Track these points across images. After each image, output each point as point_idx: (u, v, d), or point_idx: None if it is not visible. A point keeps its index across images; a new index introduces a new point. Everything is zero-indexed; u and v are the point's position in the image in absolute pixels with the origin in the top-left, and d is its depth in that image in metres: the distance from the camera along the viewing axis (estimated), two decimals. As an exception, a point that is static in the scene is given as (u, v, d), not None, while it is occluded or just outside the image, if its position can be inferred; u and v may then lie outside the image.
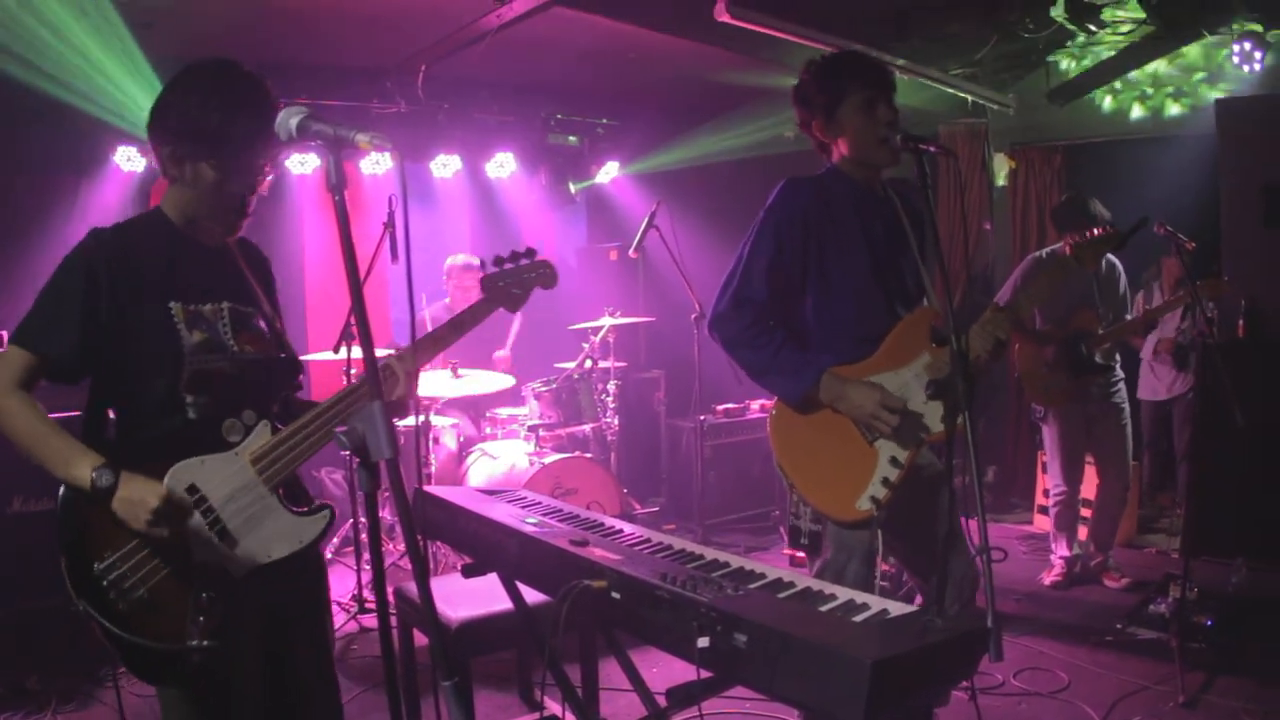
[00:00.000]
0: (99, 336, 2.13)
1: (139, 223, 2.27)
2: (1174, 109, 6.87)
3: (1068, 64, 7.19)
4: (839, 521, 2.82)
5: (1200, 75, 6.72)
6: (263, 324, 2.37)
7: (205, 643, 2.07)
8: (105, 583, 2.05)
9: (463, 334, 2.58)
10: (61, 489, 2.10)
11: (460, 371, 5.88)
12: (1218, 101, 6.40)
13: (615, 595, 2.05)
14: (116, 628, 2.04)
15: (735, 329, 2.89)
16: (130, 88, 5.45)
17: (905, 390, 2.83)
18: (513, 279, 2.70)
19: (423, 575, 1.70)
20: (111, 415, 2.27)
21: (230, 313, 2.28)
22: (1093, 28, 6.31)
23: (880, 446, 2.82)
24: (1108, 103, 7.11)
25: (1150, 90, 6.93)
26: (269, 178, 2.29)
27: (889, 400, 2.76)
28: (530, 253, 2.74)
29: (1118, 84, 7.00)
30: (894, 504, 2.82)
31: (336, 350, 5.04)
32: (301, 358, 2.62)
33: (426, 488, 2.99)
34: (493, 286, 2.67)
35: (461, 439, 6.26)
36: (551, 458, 5.64)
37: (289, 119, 1.77)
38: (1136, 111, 7.01)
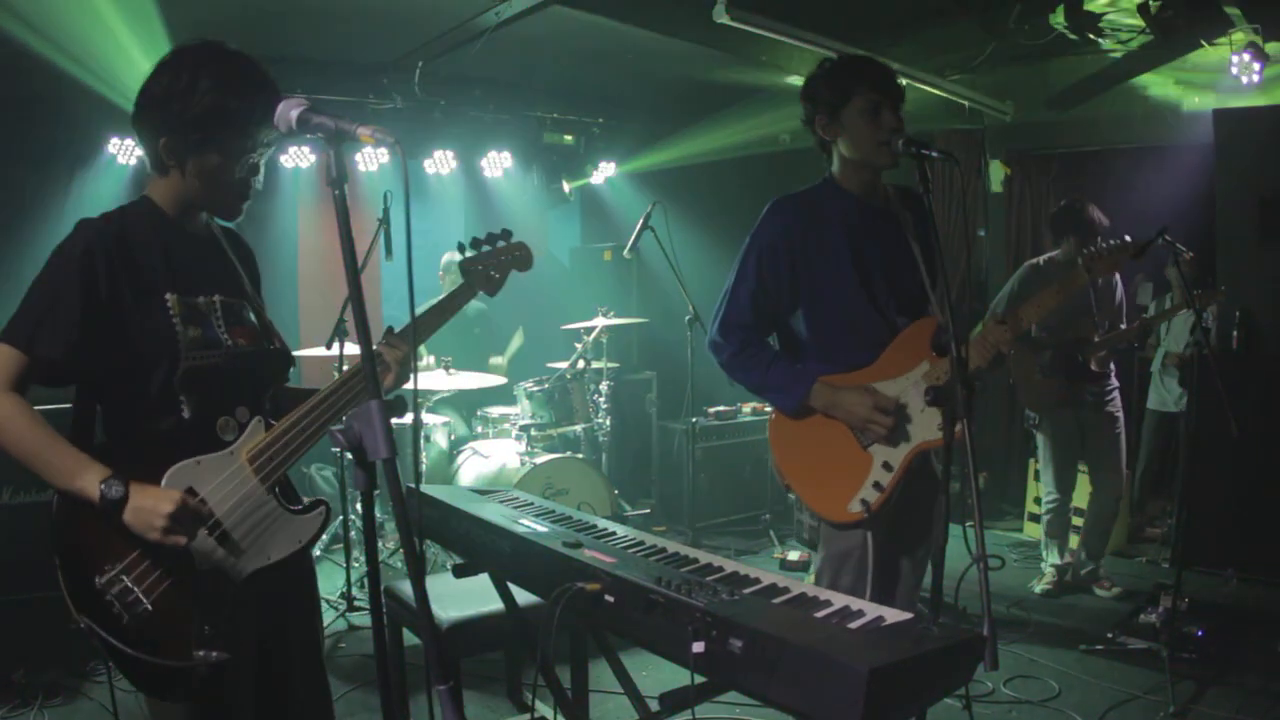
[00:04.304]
0: (96, 334, 2.00)
1: (130, 212, 2.15)
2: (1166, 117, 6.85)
3: (1066, 71, 7.18)
4: (832, 522, 2.87)
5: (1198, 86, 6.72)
6: (252, 316, 2.30)
7: (214, 654, 1.98)
8: (108, 597, 1.94)
9: (444, 320, 2.58)
10: (55, 500, 1.98)
11: (452, 370, 5.87)
12: (1215, 112, 6.38)
13: (609, 598, 2.03)
14: (122, 643, 1.93)
15: (726, 354, 3.01)
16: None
17: (903, 397, 2.84)
18: (491, 262, 2.69)
19: (420, 580, 1.66)
20: (100, 414, 2.14)
21: (222, 305, 2.20)
22: (1092, 36, 6.32)
23: (874, 451, 2.84)
24: (1105, 111, 7.10)
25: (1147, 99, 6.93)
26: (265, 159, 2.20)
27: (881, 402, 2.79)
28: (506, 233, 2.74)
29: (1115, 93, 6.99)
30: (890, 509, 2.82)
31: (329, 346, 5.02)
32: (294, 353, 2.56)
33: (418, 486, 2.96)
34: (472, 270, 2.67)
35: (452, 437, 6.24)
36: (543, 458, 5.61)
37: (289, 111, 1.74)
38: (1134, 120, 7.00)
